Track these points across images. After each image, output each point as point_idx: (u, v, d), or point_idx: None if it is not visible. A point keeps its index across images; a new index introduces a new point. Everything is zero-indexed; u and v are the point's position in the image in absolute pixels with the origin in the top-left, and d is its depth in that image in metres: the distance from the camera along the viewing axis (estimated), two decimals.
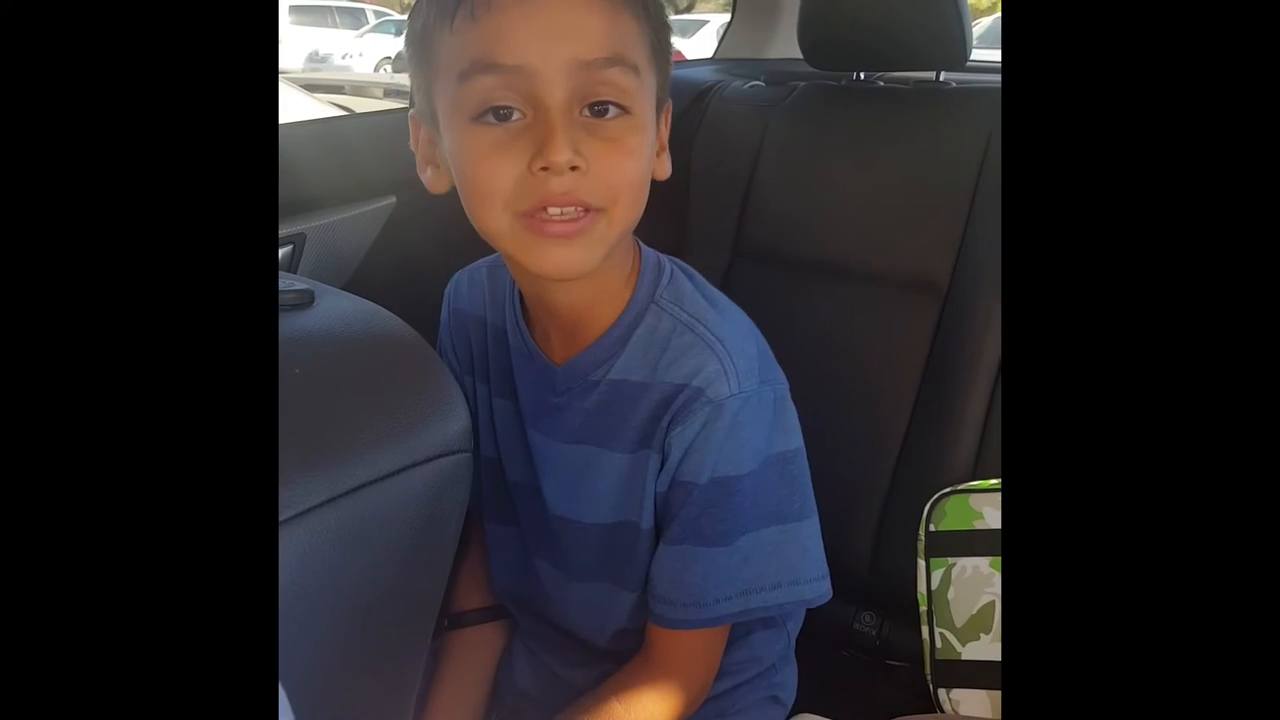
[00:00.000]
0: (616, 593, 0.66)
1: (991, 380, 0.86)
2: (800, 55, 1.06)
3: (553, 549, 0.67)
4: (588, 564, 0.66)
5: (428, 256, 1.07)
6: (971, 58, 0.98)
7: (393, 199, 1.02)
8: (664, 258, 0.65)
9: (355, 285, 0.95)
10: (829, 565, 0.65)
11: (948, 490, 0.81)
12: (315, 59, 9.50)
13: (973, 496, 0.79)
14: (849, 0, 0.99)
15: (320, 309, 0.51)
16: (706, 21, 8.06)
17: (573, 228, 0.53)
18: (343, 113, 2.44)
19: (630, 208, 0.55)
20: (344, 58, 9.60)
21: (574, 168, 0.51)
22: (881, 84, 1.08)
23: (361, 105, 5.52)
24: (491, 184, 0.52)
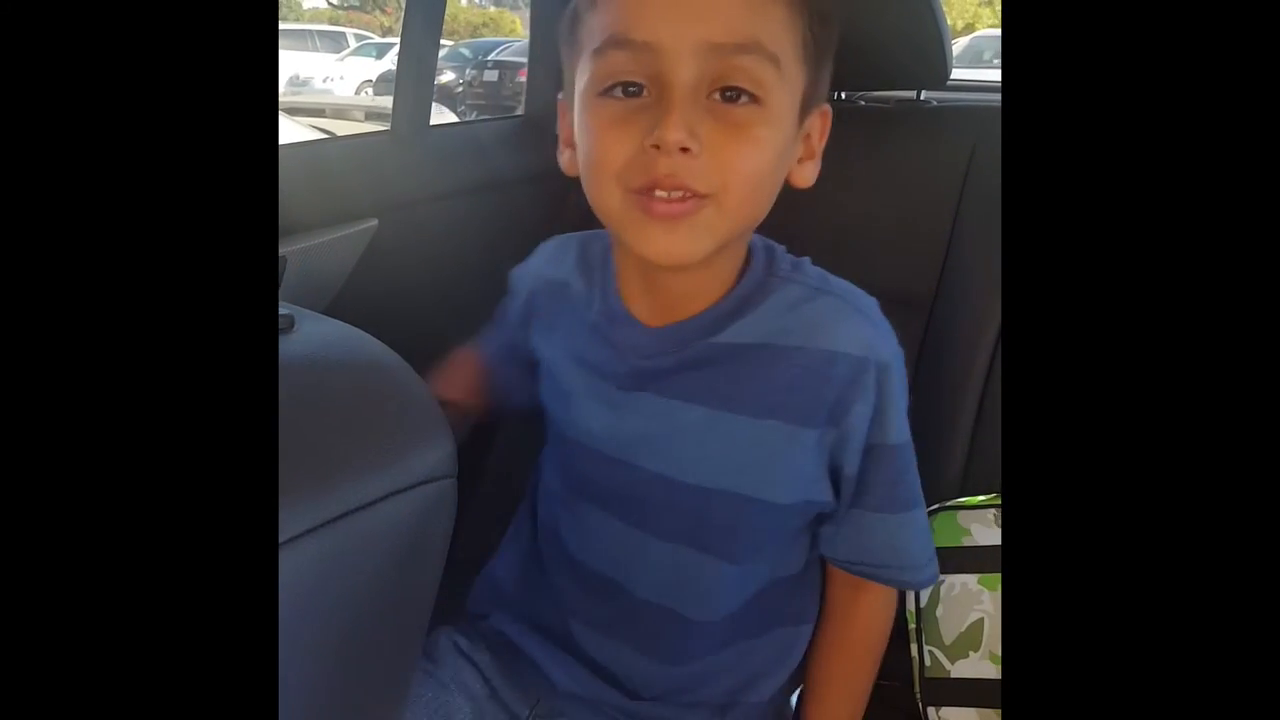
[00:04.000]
0: (705, 561, 0.63)
1: (978, 396, 0.86)
2: None
3: (642, 513, 0.64)
4: (678, 528, 0.63)
5: (410, 279, 1.06)
6: (951, 77, 0.99)
7: (374, 222, 1.01)
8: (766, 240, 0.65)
9: (337, 309, 0.95)
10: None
11: (936, 506, 0.80)
12: (296, 83, 9.51)
13: (961, 513, 0.79)
14: None
15: (300, 334, 0.50)
16: None
17: (678, 209, 0.51)
18: (323, 136, 2.44)
19: (746, 200, 0.53)
20: (325, 81, 9.61)
21: (685, 149, 0.49)
22: (863, 103, 1.09)
23: (343, 129, 5.52)
24: (606, 157, 0.52)
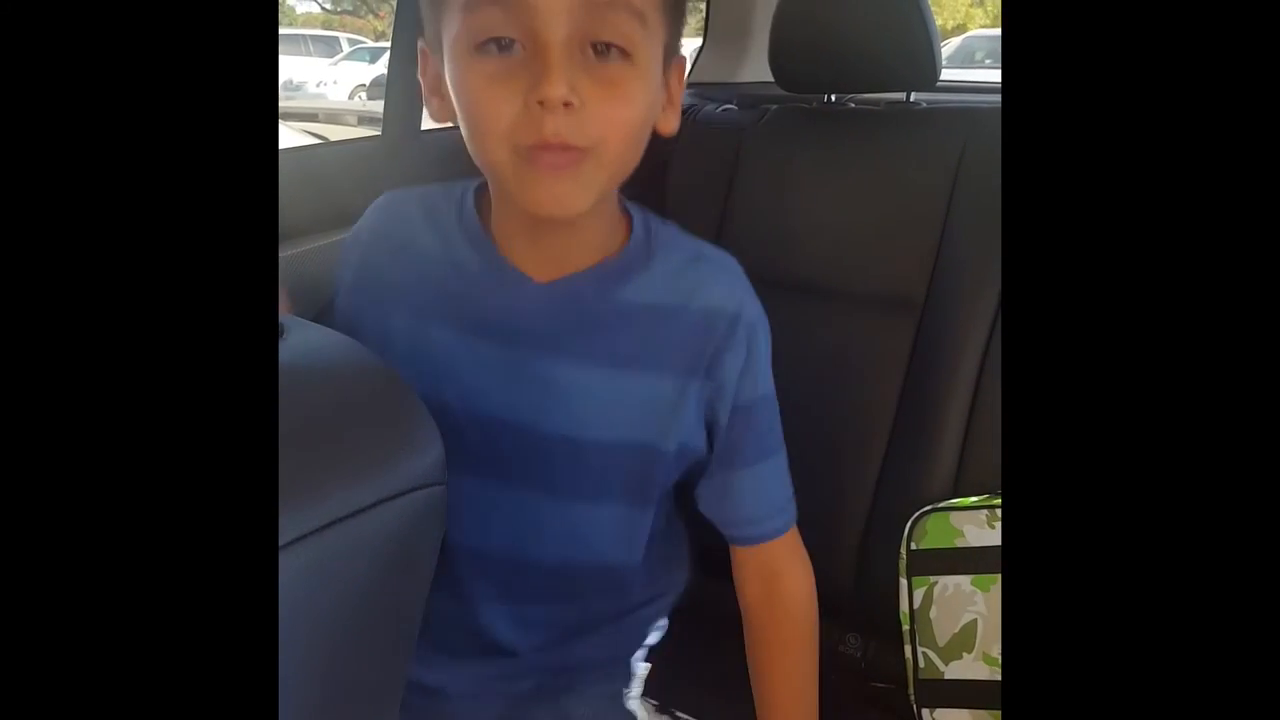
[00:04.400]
0: (632, 513, 0.66)
1: (970, 396, 0.86)
2: (772, 78, 1.07)
3: (546, 476, 0.64)
4: (584, 484, 0.64)
5: None
6: (941, 77, 0.99)
7: None
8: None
9: (329, 314, 0.94)
10: None
11: (929, 508, 0.81)
12: (290, 87, 9.50)
13: (953, 514, 0.79)
14: (819, 24, 1.00)
15: (289, 342, 0.50)
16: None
17: (563, 160, 0.53)
18: (316, 141, 2.44)
19: (621, 152, 0.56)
20: (318, 86, 9.60)
21: (568, 104, 0.51)
22: (853, 105, 1.09)
23: (336, 133, 5.51)
24: (491, 116, 0.53)
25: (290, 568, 0.40)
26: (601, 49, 0.53)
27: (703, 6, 1.53)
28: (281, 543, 0.40)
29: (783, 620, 0.69)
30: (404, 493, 0.46)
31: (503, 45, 0.52)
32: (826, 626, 0.88)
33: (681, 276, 0.63)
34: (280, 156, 1.01)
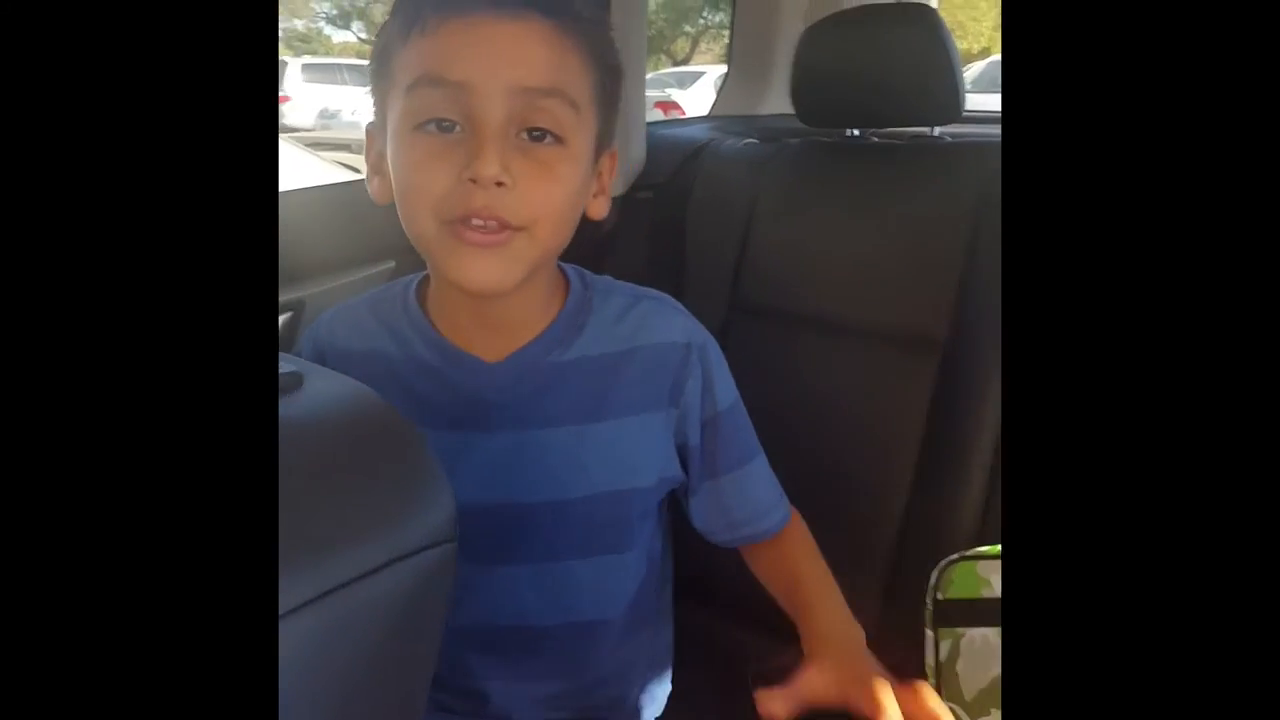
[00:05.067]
0: (618, 559, 0.68)
1: (994, 439, 0.84)
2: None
3: (535, 544, 0.66)
4: (570, 543, 0.66)
5: None
6: (965, 106, 0.98)
7: (392, 263, 1.02)
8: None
9: None
10: None
11: (955, 556, 0.79)
12: (325, 115, 9.67)
13: (980, 563, 0.77)
14: (841, 58, 1.00)
15: (306, 393, 0.50)
16: (703, 73, 8.18)
17: (492, 239, 0.55)
18: (349, 172, 2.48)
19: (553, 231, 0.58)
20: (353, 114, 9.76)
21: (500, 183, 0.53)
22: (875, 140, 1.08)
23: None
24: (424, 188, 0.55)
25: (300, 631, 0.40)
26: (537, 134, 0.55)
27: (726, 34, 1.53)
28: (291, 606, 0.39)
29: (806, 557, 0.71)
30: (415, 552, 0.45)
31: (443, 126, 0.55)
32: None
33: (624, 321, 0.66)
34: (307, 195, 1.03)
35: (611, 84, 0.61)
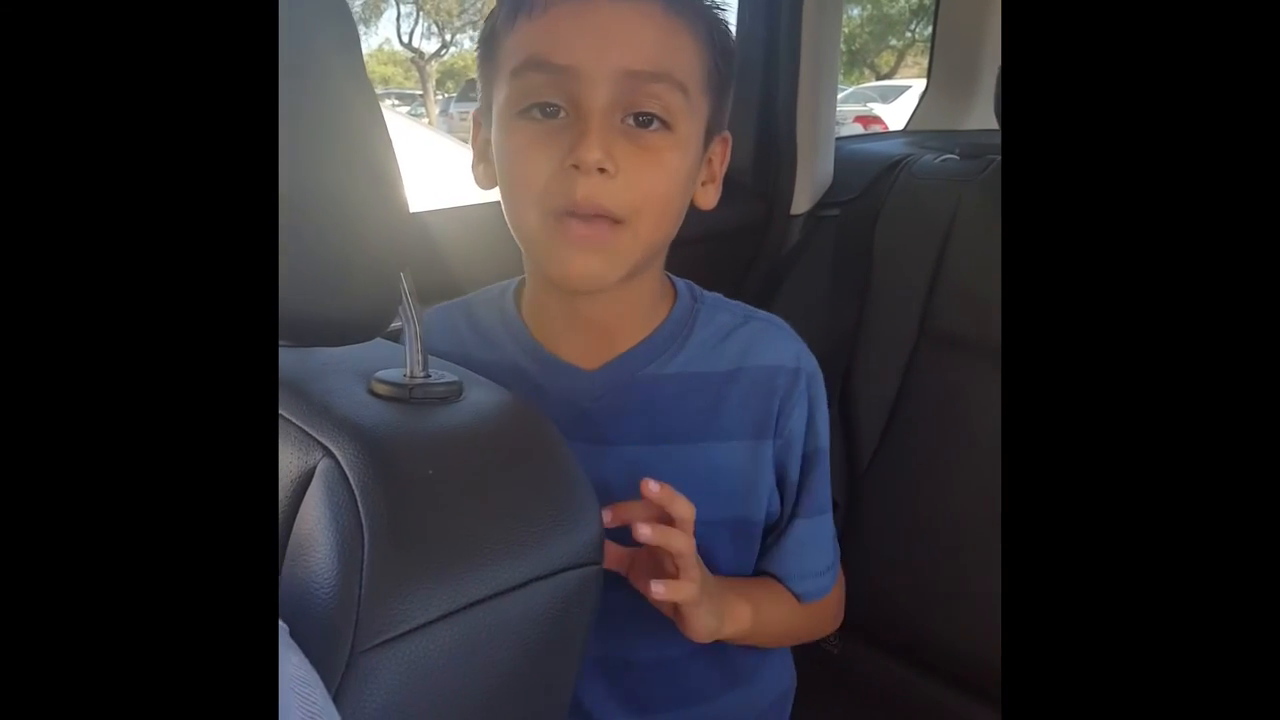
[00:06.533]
0: None
1: None
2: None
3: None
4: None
5: None
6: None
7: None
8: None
9: None
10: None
11: None
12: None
13: None
14: None
15: (466, 403, 0.50)
16: (908, 87, 7.87)
17: (595, 233, 0.53)
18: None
19: (656, 223, 0.56)
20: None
21: (603, 170, 0.51)
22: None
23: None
24: (526, 177, 0.54)
25: (433, 644, 0.40)
26: (644, 119, 0.53)
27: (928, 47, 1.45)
28: (428, 619, 0.39)
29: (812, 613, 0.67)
30: (557, 572, 0.44)
31: (547, 111, 0.53)
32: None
33: (731, 339, 0.62)
34: (455, 215, 1.04)
35: (724, 67, 0.58)
